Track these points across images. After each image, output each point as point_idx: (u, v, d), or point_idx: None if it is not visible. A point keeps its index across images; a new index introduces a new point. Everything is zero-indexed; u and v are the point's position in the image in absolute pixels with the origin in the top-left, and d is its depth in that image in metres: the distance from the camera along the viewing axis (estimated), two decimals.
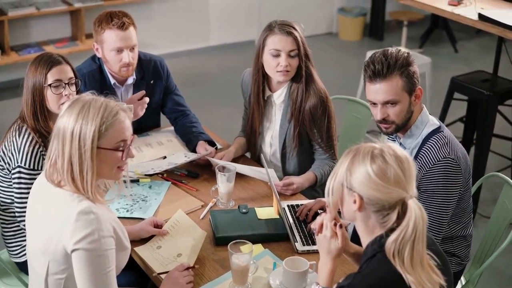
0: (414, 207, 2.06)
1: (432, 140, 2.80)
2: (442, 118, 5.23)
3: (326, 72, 5.65)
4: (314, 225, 2.39)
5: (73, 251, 2.28)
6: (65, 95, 3.02)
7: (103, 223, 2.30)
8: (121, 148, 2.36)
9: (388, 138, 3.00)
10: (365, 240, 2.19)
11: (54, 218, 2.33)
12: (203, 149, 3.51)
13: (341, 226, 2.31)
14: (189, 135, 3.67)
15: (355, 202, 2.12)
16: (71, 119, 2.30)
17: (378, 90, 2.77)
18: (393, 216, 2.09)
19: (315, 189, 3.50)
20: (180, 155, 3.50)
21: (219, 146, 3.68)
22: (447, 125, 5.23)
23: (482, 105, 4.77)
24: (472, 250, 3.09)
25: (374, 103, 2.81)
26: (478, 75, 5.08)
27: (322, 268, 2.36)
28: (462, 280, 3.19)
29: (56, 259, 2.34)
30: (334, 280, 2.33)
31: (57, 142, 2.32)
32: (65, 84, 3.02)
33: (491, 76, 5.00)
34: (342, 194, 2.16)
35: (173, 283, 2.53)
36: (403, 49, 2.83)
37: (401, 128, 2.83)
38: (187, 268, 2.61)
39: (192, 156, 3.46)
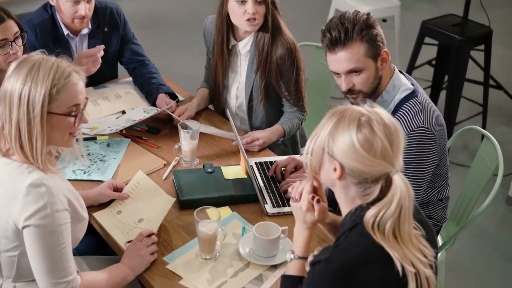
0: (400, 183, 1.88)
1: (406, 107, 2.60)
2: (412, 63, 5.11)
3: (291, 15, 5.44)
4: (292, 191, 2.19)
5: (24, 227, 2.11)
6: (13, 53, 2.81)
7: (56, 196, 2.12)
8: (73, 113, 2.17)
9: None
10: (344, 209, 2.02)
11: (2, 191, 2.15)
12: (163, 102, 3.31)
13: (319, 200, 2.12)
14: (148, 87, 3.46)
15: (335, 170, 1.94)
16: (19, 81, 2.10)
17: (339, 60, 2.55)
18: (376, 190, 1.91)
19: (284, 143, 3.34)
20: (139, 111, 3.29)
21: (181, 98, 3.48)
22: (415, 68, 5.15)
23: (454, 50, 4.67)
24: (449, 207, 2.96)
25: (338, 73, 2.60)
26: (449, 19, 4.95)
27: (297, 236, 2.19)
28: (439, 240, 3.07)
29: (7, 235, 2.17)
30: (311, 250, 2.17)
31: (3, 106, 2.12)
32: (10, 42, 2.78)
33: (462, 20, 4.88)
34: (322, 159, 1.97)
35: (135, 256, 2.38)
36: (362, 11, 2.59)
37: (370, 96, 2.62)
38: (150, 235, 2.45)
39: (151, 112, 3.24)
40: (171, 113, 3.20)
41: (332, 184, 2.00)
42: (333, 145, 1.92)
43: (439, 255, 2.91)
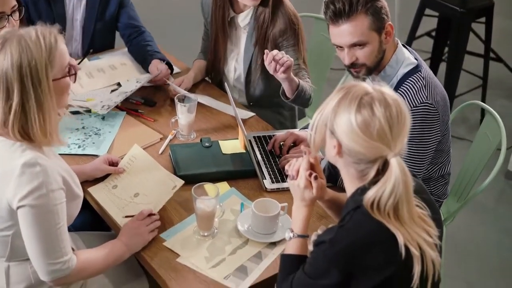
0: (395, 168, 1.82)
1: (409, 82, 2.53)
2: (411, 34, 5.04)
3: None
4: (288, 168, 2.14)
5: (18, 207, 2.06)
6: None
7: (51, 175, 2.07)
8: (70, 72, 2.16)
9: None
10: (349, 187, 1.98)
11: None
12: (155, 68, 3.24)
13: (316, 177, 2.07)
14: (144, 55, 3.39)
15: (334, 147, 1.90)
16: (13, 59, 2.03)
17: (342, 33, 2.48)
18: (372, 171, 1.87)
19: (282, 114, 3.29)
20: (132, 82, 3.22)
21: (177, 70, 3.42)
22: (415, 39, 5.08)
23: (455, 22, 4.60)
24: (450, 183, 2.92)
25: (340, 47, 2.53)
26: None
27: (296, 214, 2.14)
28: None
29: (1, 215, 2.12)
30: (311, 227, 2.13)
31: None
32: (7, 15, 2.70)
33: None
34: (324, 134, 1.93)
35: (133, 234, 2.32)
36: None
37: (373, 70, 2.56)
38: (150, 215, 2.40)
39: (143, 80, 3.17)
40: (170, 83, 3.13)
41: (335, 161, 1.96)
42: (334, 121, 1.89)
43: None
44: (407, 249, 1.81)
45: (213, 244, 2.37)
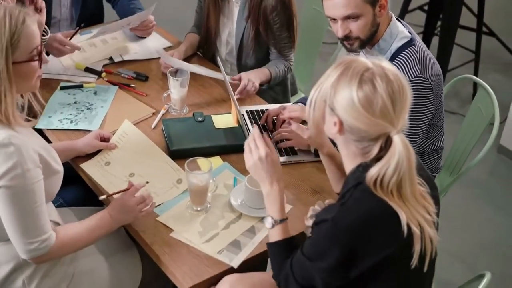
0: (399, 145, 1.79)
1: (403, 56, 2.52)
2: (404, 8, 5.02)
3: None
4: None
5: None
6: None
7: (25, 154, 2.03)
8: (36, 57, 2.09)
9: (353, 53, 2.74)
10: (348, 165, 1.94)
11: None
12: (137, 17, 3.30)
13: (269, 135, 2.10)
14: (126, 14, 3.40)
15: (335, 124, 1.85)
16: None
17: (336, 4, 2.46)
18: (375, 149, 1.83)
19: (275, 90, 3.27)
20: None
21: (168, 44, 3.40)
22: (408, 12, 5.06)
23: None
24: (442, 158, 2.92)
25: (334, 19, 2.51)
26: None
27: (270, 200, 2.12)
28: None
29: None
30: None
31: None
32: None
33: None
34: (324, 111, 1.88)
35: (124, 211, 2.26)
36: None
37: (367, 43, 2.55)
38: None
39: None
40: (161, 54, 3.13)
41: (334, 138, 1.93)
42: (334, 98, 1.83)
43: None
44: (408, 227, 1.79)
45: (207, 218, 2.37)
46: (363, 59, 1.86)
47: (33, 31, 2.08)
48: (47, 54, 3.04)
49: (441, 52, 4.68)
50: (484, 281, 2.10)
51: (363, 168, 1.86)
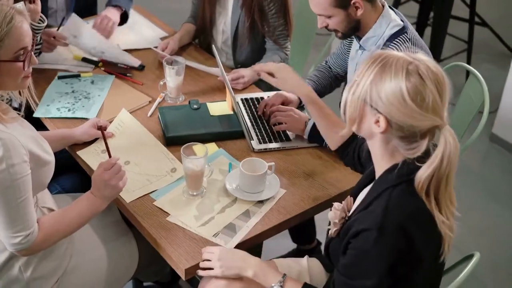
0: (449, 138, 1.73)
1: (395, 43, 2.57)
2: (397, 0, 5.06)
3: None
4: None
5: None
6: None
7: (12, 149, 2.03)
8: (21, 58, 2.08)
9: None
10: (380, 162, 1.88)
11: None
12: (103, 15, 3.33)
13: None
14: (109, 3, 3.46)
15: (377, 122, 1.78)
16: None
17: (311, 2, 2.57)
18: (423, 144, 1.76)
19: None
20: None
21: (164, 34, 3.44)
22: (400, 4, 5.10)
23: None
24: None
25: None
26: None
27: (258, 279, 2.12)
28: None
29: None
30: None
31: None
32: None
33: None
34: (362, 111, 1.81)
35: (104, 186, 2.23)
36: None
37: (349, 35, 2.64)
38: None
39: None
40: (156, 50, 3.16)
41: (372, 137, 1.86)
42: (376, 96, 1.76)
43: None
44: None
45: (202, 203, 2.41)
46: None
47: (22, 32, 2.06)
48: (40, 53, 3.06)
49: (434, 42, 4.73)
50: (473, 260, 2.14)
51: (408, 166, 1.80)
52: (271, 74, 2.58)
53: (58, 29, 3.08)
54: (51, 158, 2.26)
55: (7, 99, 2.22)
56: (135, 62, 3.13)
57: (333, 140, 2.38)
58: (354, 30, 2.60)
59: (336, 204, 2.05)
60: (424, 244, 1.80)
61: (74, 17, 3.17)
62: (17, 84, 2.13)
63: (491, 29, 5.32)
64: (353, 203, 2.06)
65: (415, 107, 1.72)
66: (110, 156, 2.27)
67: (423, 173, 1.76)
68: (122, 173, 2.26)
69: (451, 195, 1.82)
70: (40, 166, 2.19)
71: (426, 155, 1.78)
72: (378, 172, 1.91)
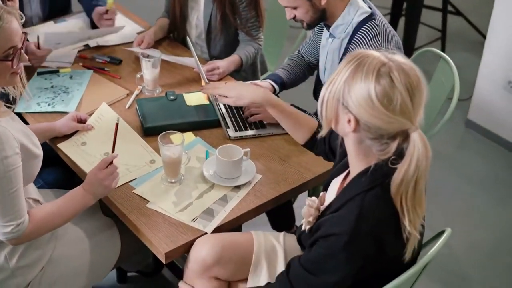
0: (418, 143, 1.73)
1: (364, 30, 2.64)
2: None
3: None
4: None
5: None
6: None
7: (4, 142, 2.09)
8: (10, 57, 2.14)
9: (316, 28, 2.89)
10: (356, 163, 1.90)
11: None
12: (98, 15, 3.37)
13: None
14: (88, 6, 3.49)
15: (349, 122, 1.80)
16: None
17: None
18: (393, 146, 1.77)
19: (245, 71, 3.37)
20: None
21: (140, 29, 3.50)
22: None
23: None
24: None
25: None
26: None
27: None
28: None
29: None
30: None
31: None
32: None
33: None
34: (337, 110, 1.82)
35: (98, 184, 2.31)
36: None
37: (315, 25, 2.73)
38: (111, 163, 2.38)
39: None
40: (131, 49, 3.23)
41: (346, 135, 1.88)
42: (348, 95, 1.77)
43: None
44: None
45: (181, 190, 2.47)
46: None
47: (11, 30, 2.10)
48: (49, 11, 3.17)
49: (407, 31, 4.80)
50: (444, 235, 2.17)
51: (381, 169, 1.81)
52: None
53: (38, 47, 3.10)
54: (40, 152, 2.32)
55: (2, 93, 2.27)
56: (119, 28, 3.32)
57: (299, 136, 2.43)
58: (320, 19, 2.68)
59: (310, 201, 2.05)
60: (393, 248, 1.84)
61: (47, 34, 3.22)
62: (5, 80, 2.19)
63: (465, 18, 5.40)
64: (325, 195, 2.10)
65: (382, 109, 1.72)
66: (113, 151, 2.34)
67: (397, 176, 1.76)
68: (116, 174, 2.33)
69: (421, 200, 1.81)
70: (30, 159, 2.25)
71: (400, 157, 1.78)
72: (353, 172, 1.93)
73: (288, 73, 3.01)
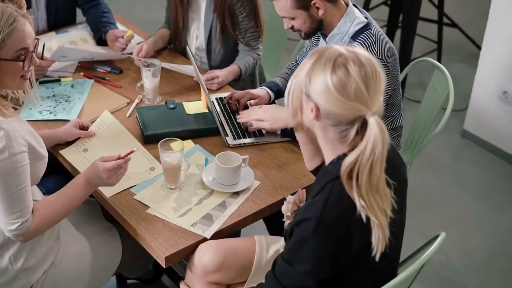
0: (374, 127, 1.83)
1: (360, 39, 2.69)
2: (366, 3, 5.18)
3: None
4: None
5: None
6: None
7: (14, 140, 2.15)
8: (22, 57, 2.20)
9: (313, 37, 2.94)
10: (327, 153, 2.00)
11: None
12: (113, 36, 3.38)
13: None
14: (97, 25, 3.53)
15: (312, 111, 1.91)
16: None
17: (275, 6, 2.73)
18: (352, 132, 1.88)
19: (244, 80, 3.42)
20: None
21: (140, 39, 3.55)
22: (371, 9, 5.24)
23: None
24: (403, 137, 3.08)
25: None
26: None
27: None
28: None
29: None
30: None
31: None
32: None
33: None
34: (301, 99, 1.94)
35: (101, 179, 2.33)
36: None
37: (312, 34, 2.79)
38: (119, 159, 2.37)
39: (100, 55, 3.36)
40: (133, 57, 3.28)
41: (312, 125, 1.98)
42: (309, 85, 1.89)
43: None
44: (367, 218, 1.87)
45: (180, 196, 2.52)
46: (337, 46, 1.93)
47: (24, 33, 2.17)
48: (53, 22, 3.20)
49: (404, 43, 4.83)
50: (439, 239, 2.22)
51: (342, 159, 1.89)
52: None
53: (42, 56, 3.14)
54: (46, 153, 2.38)
55: (13, 98, 2.32)
56: (126, 55, 3.33)
57: (313, 162, 2.43)
58: (317, 29, 2.75)
59: (288, 198, 2.21)
60: (361, 235, 1.89)
61: (61, 48, 3.22)
62: (15, 84, 2.24)
63: (460, 30, 5.47)
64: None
65: (338, 95, 1.84)
66: (125, 156, 2.37)
67: (348, 159, 1.86)
68: (120, 174, 2.36)
69: (379, 187, 1.87)
70: (36, 159, 2.30)
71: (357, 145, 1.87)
72: (326, 162, 2.02)
73: (285, 81, 3.05)
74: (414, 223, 3.78)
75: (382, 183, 1.88)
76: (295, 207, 2.16)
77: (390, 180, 1.91)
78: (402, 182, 2.07)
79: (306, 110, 1.93)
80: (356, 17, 2.74)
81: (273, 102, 2.98)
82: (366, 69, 1.86)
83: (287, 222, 2.18)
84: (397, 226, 1.99)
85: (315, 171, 2.43)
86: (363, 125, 1.86)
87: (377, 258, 1.90)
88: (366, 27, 2.73)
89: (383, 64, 2.66)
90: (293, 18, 2.70)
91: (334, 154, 1.96)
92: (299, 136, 2.30)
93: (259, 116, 2.74)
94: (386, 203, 1.89)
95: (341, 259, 1.93)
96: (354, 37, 2.72)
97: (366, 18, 2.77)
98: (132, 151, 2.38)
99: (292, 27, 2.75)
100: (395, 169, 2.03)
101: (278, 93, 3.01)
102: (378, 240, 1.88)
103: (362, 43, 2.68)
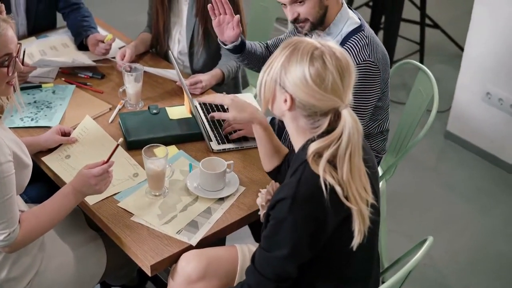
0: (348, 118, 1.90)
1: (353, 41, 2.67)
2: (349, 4, 5.16)
3: None
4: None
5: None
6: None
7: None
8: (6, 63, 2.16)
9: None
10: (296, 140, 2.07)
11: None
12: (94, 40, 3.35)
13: None
14: (78, 29, 3.49)
15: (285, 101, 1.96)
16: None
17: None
18: (324, 123, 1.95)
19: (227, 84, 3.40)
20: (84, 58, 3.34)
21: (122, 44, 3.52)
22: (354, 9, 5.22)
23: None
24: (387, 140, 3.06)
25: (284, 4, 2.68)
26: None
27: None
28: (379, 170, 3.17)
29: None
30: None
31: None
32: None
33: None
34: (274, 90, 1.99)
35: (89, 187, 2.31)
36: None
37: (318, 25, 2.70)
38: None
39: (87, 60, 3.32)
40: (116, 60, 3.24)
41: (282, 115, 2.03)
42: (285, 77, 1.94)
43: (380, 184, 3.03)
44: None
45: (165, 202, 2.49)
46: (309, 39, 1.97)
47: (6, 38, 2.13)
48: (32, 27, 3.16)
49: (386, 44, 4.78)
50: (426, 244, 2.21)
51: (311, 142, 1.95)
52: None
53: (22, 62, 3.11)
54: (30, 162, 2.35)
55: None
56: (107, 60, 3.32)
57: (270, 162, 2.44)
58: (321, 20, 2.68)
59: (262, 190, 2.29)
60: (334, 214, 1.93)
61: (42, 60, 3.21)
62: (1, 90, 2.21)
63: (442, 31, 5.47)
64: None
65: (316, 88, 1.90)
66: (108, 160, 2.35)
67: (315, 145, 1.92)
68: (108, 180, 2.35)
69: (361, 174, 1.94)
70: (21, 168, 2.27)
71: (327, 134, 1.94)
72: (296, 149, 2.07)
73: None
74: (399, 226, 3.79)
75: (362, 172, 1.95)
76: (269, 196, 2.22)
77: (367, 169, 1.98)
78: (376, 171, 2.14)
79: (279, 100, 1.98)
80: (350, 17, 2.72)
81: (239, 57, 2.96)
82: (341, 62, 1.92)
83: (262, 212, 2.22)
84: (375, 214, 2.04)
85: (272, 173, 2.45)
86: (335, 116, 1.94)
87: (354, 248, 1.95)
88: (359, 28, 2.71)
89: (375, 67, 2.65)
90: (302, 2, 2.63)
91: (303, 141, 2.02)
92: (257, 134, 2.37)
93: (224, 102, 2.57)
94: (366, 192, 1.95)
95: (319, 238, 1.95)
96: (347, 37, 2.69)
97: (360, 19, 2.75)
98: (117, 145, 2.35)
99: (297, 17, 2.67)
100: (370, 158, 2.09)
101: (243, 44, 2.94)
102: (360, 227, 1.94)
103: (355, 44, 2.66)
